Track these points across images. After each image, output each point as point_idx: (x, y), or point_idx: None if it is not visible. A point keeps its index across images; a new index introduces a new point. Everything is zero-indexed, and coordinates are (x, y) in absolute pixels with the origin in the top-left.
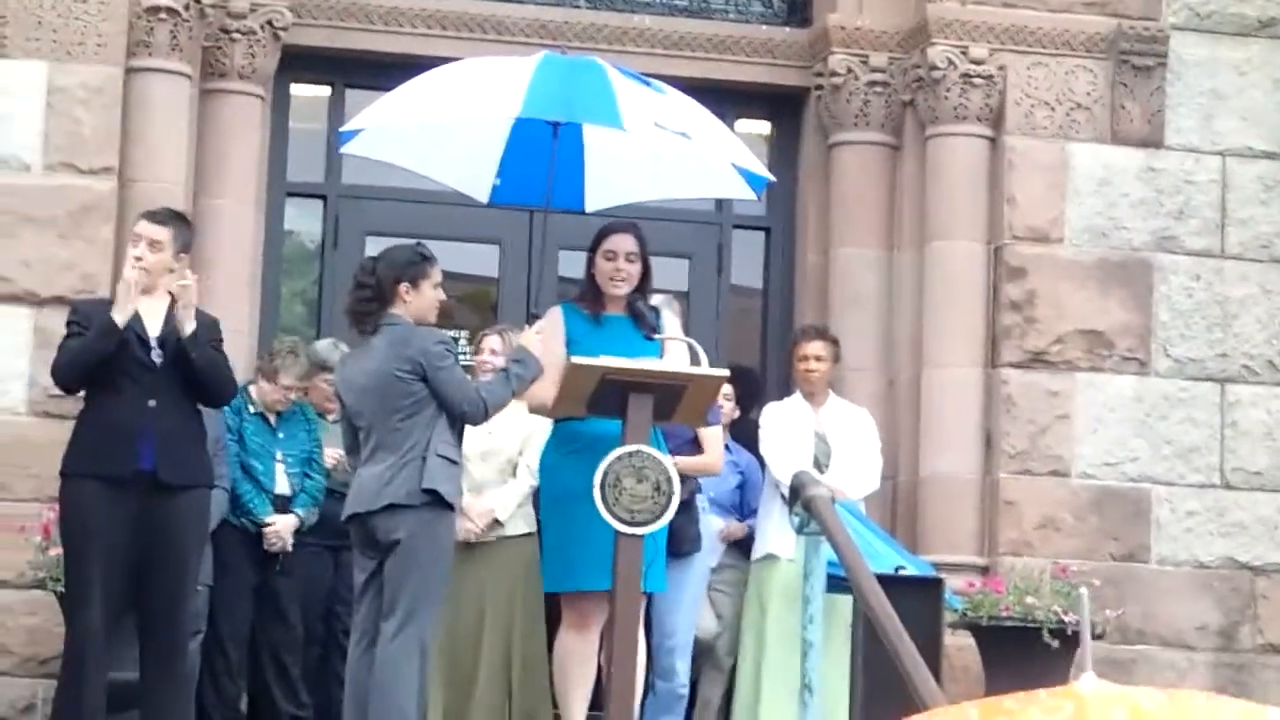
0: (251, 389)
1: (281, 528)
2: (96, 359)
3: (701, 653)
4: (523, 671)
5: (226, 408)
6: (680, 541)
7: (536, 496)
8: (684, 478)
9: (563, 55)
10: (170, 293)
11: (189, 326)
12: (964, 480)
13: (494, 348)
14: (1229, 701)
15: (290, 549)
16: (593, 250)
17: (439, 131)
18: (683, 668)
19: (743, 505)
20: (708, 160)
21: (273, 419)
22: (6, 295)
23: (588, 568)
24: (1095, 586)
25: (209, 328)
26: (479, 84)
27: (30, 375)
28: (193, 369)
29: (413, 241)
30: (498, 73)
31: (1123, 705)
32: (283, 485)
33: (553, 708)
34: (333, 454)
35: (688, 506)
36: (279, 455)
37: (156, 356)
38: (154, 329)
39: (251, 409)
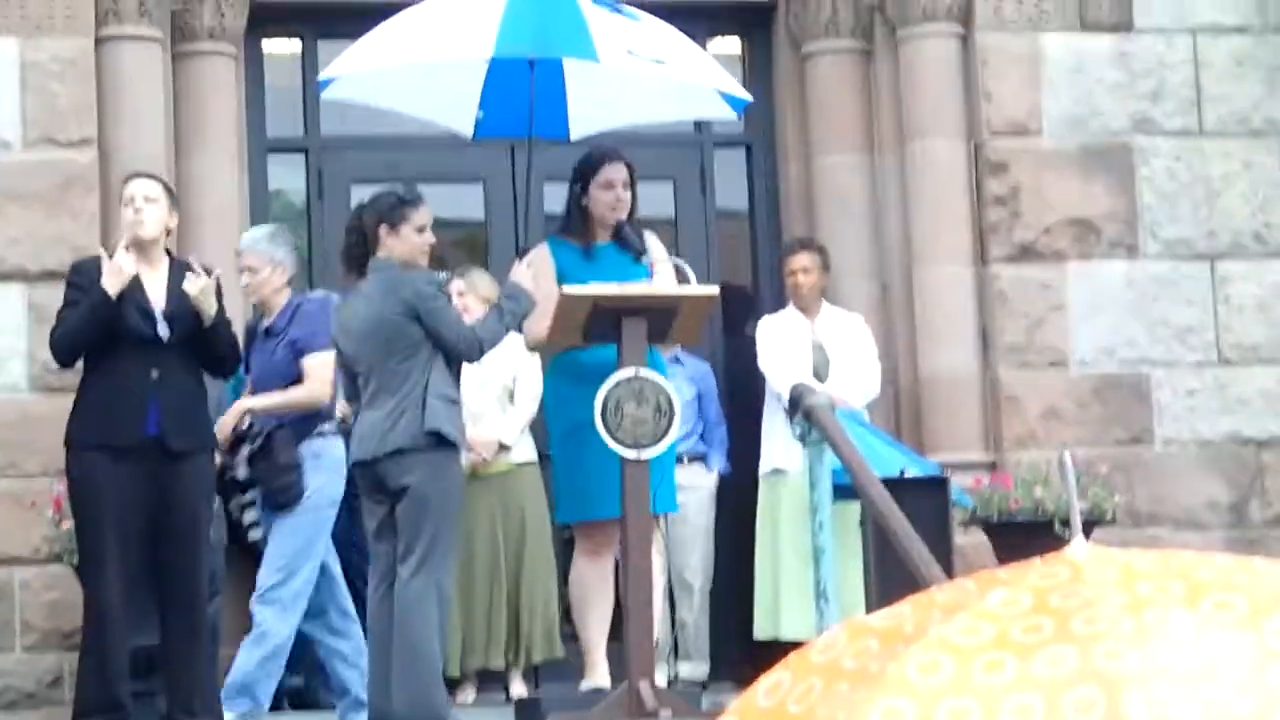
0: None
1: None
2: (92, 334)
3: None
4: (535, 600)
5: None
6: (278, 494)
7: (535, 426)
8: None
9: None
10: (168, 252)
11: (210, 315)
12: (964, 378)
13: (459, 290)
14: (1219, 556)
15: None
16: (581, 180)
17: (417, 70)
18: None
19: (703, 413)
20: (687, 83)
21: None
22: None
23: (600, 496)
24: (1103, 473)
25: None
26: (451, 24)
27: (28, 351)
28: (210, 350)
29: (399, 185)
30: (468, 10)
31: (1115, 565)
32: None
33: (559, 633)
34: (340, 406)
35: (271, 453)
36: None
37: (163, 331)
38: (156, 298)
39: None
